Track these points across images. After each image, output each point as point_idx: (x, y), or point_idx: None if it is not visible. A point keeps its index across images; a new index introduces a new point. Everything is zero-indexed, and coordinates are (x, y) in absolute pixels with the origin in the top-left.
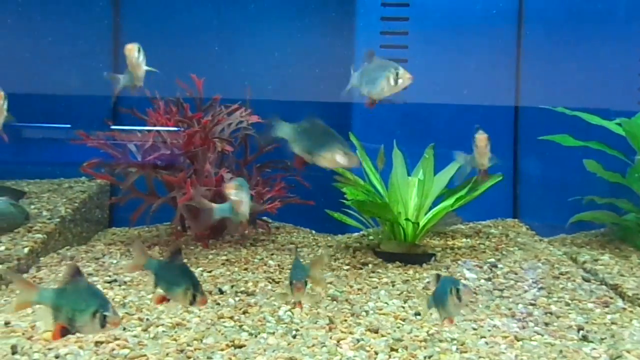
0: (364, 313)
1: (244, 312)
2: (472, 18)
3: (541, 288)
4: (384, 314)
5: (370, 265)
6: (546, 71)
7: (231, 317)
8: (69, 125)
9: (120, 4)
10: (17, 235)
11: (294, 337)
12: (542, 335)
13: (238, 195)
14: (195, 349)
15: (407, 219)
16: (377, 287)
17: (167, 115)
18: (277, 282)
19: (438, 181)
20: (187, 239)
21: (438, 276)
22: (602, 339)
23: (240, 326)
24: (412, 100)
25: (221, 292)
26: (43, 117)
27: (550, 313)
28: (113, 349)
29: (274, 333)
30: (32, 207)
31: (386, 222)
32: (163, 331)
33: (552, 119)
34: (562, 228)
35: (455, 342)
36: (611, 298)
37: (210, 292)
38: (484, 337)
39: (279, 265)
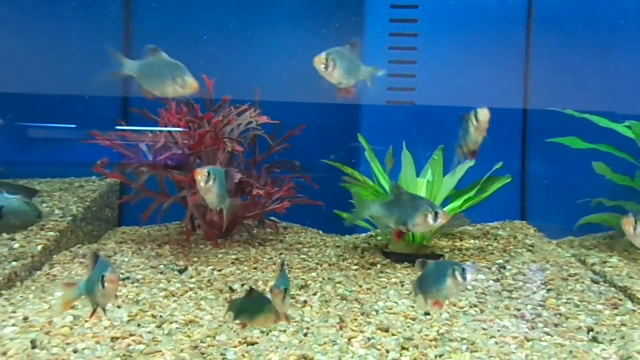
0: (374, 312)
1: None
2: (480, 20)
3: (550, 289)
4: (393, 313)
5: (378, 266)
6: (555, 73)
7: None
8: (74, 126)
9: (131, 4)
10: (31, 233)
11: (305, 335)
12: (552, 336)
13: (206, 184)
14: (208, 346)
15: None
16: (386, 287)
17: (179, 115)
18: None
19: (447, 182)
20: (197, 238)
21: (423, 262)
22: (612, 340)
23: None
24: (421, 102)
25: (232, 290)
26: (54, 118)
27: (560, 314)
28: (129, 345)
29: (285, 331)
30: (44, 205)
31: None
32: (177, 328)
33: (560, 121)
34: (570, 230)
35: (465, 341)
36: (620, 300)
37: (221, 290)
38: (494, 337)
39: (287, 265)
